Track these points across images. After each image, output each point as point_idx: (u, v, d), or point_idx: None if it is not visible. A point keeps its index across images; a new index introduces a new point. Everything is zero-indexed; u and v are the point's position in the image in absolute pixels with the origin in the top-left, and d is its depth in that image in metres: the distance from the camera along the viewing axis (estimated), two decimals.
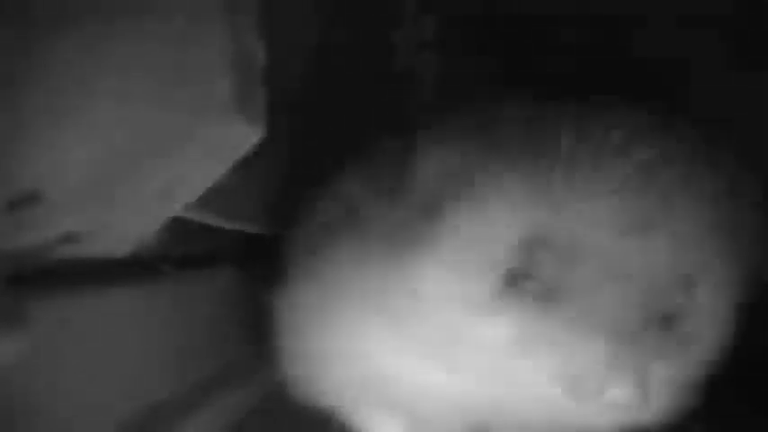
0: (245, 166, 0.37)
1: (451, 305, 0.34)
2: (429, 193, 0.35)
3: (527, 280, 0.32)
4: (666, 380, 0.33)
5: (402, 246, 0.35)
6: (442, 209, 0.34)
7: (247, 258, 0.50)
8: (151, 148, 0.33)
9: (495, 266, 0.33)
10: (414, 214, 0.35)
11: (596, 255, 0.31)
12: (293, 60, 0.51)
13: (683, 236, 0.32)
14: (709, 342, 0.34)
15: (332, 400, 0.43)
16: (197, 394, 0.45)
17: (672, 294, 0.32)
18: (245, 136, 0.35)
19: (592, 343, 0.31)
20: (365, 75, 0.66)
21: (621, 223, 0.31)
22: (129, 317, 0.39)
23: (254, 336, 0.48)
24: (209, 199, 0.38)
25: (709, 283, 0.33)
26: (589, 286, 0.31)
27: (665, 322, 0.32)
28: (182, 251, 0.46)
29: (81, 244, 0.34)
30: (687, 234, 0.32)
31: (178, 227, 0.42)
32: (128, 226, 0.37)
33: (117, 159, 0.32)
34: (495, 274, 0.33)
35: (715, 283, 0.33)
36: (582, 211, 0.31)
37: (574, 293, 0.32)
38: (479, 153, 0.33)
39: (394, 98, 0.71)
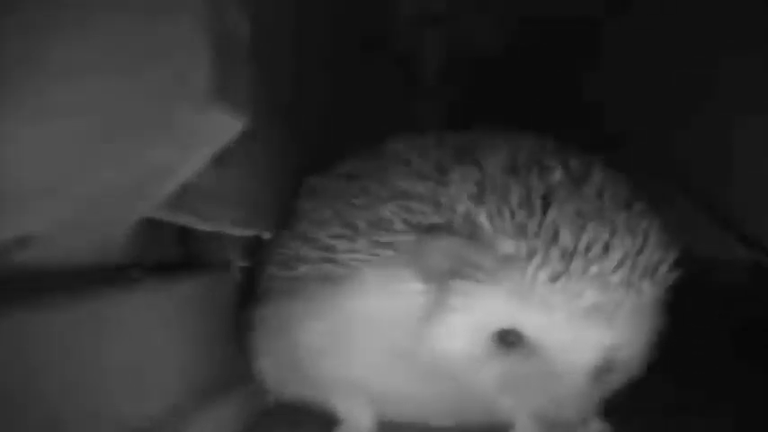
0: (225, 160, 0.37)
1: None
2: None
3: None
4: None
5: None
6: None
7: (227, 262, 0.51)
8: (117, 138, 0.31)
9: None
10: None
11: None
12: (282, 46, 0.50)
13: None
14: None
15: (307, 393, 0.48)
16: (176, 412, 0.44)
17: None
18: (226, 125, 0.34)
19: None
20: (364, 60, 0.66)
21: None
22: (93, 332, 0.37)
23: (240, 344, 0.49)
24: (184, 198, 0.38)
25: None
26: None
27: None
28: (154, 256, 0.45)
29: (38, 248, 0.33)
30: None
31: (150, 229, 0.41)
32: (91, 227, 0.36)
33: (77, 150, 0.31)
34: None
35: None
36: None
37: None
38: None
39: (394, 85, 0.71)
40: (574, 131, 0.53)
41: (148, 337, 0.42)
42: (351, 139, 0.47)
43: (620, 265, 0.38)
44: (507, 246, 0.38)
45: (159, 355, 0.43)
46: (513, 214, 0.39)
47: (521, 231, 0.38)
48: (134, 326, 0.40)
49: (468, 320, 0.40)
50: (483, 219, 0.39)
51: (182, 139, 0.34)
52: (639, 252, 0.39)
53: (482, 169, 0.41)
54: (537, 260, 0.38)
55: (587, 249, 0.38)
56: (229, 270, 0.52)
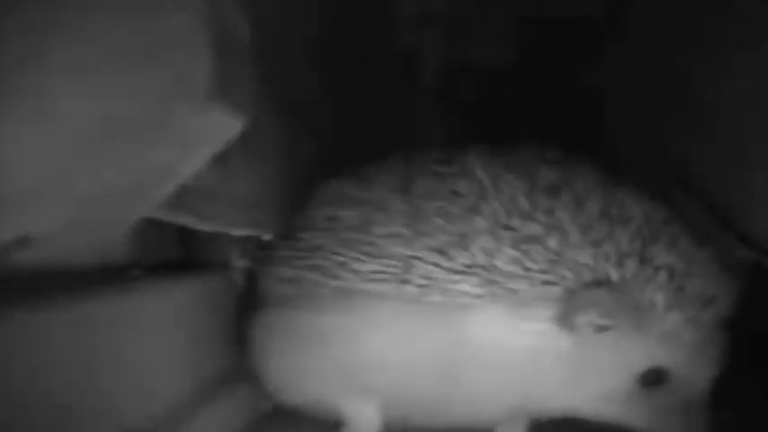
0: (226, 160, 0.36)
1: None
2: None
3: None
4: None
5: None
6: None
7: (227, 262, 0.51)
8: (117, 138, 0.31)
9: None
10: None
11: None
12: (282, 45, 0.50)
13: None
14: None
15: (311, 393, 0.47)
16: (176, 412, 0.44)
17: None
18: (226, 125, 0.34)
19: None
20: (365, 56, 0.65)
21: None
22: (93, 332, 0.37)
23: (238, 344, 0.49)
24: (184, 198, 0.37)
25: None
26: None
27: None
28: (154, 256, 0.45)
29: (38, 248, 0.32)
30: None
31: (150, 229, 0.41)
32: (91, 228, 0.36)
33: (77, 150, 0.30)
34: None
35: None
36: None
37: None
38: None
39: (394, 85, 0.71)
40: (573, 130, 0.53)
41: (148, 337, 0.42)
42: (350, 139, 0.47)
43: (722, 303, 0.42)
44: (640, 296, 0.40)
45: (159, 355, 0.43)
46: (632, 264, 0.41)
47: (647, 281, 0.40)
48: (134, 326, 0.40)
49: (612, 369, 0.42)
50: (612, 270, 0.40)
51: (182, 139, 0.34)
52: (731, 291, 0.43)
53: (582, 213, 0.42)
54: (668, 304, 0.40)
55: (699, 285, 0.41)
56: (229, 270, 0.51)
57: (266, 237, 0.49)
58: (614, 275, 0.40)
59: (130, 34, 0.29)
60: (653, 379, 0.42)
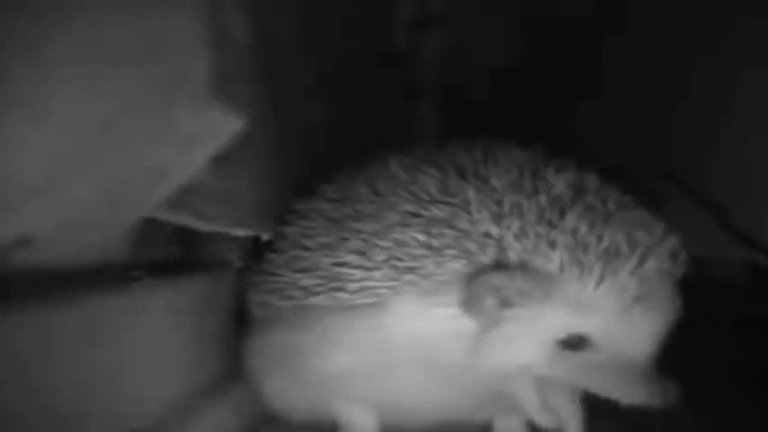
0: (225, 160, 0.36)
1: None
2: None
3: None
4: None
5: None
6: None
7: (227, 262, 0.50)
8: (117, 138, 0.31)
9: None
10: None
11: None
12: (284, 47, 0.50)
13: None
14: None
15: (306, 408, 0.48)
16: (175, 412, 0.44)
17: None
18: (226, 124, 0.34)
19: None
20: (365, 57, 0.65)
21: None
22: (93, 332, 0.37)
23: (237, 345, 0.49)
24: (184, 198, 0.37)
25: None
26: None
27: None
28: (154, 256, 0.45)
29: (38, 248, 0.33)
30: None
31: (150, 229, 0.41)
32: (91, 227, 0.36)
33: (77, 150, 0.31)
34: None
35: None
36: None
37: None
38: None
39: (394, 87, 0.71)
40: (573, 130, 0.53)
41: (148, 336, 0.42)
42: (351, 140, 0.47)
43: (647, 256, 0.40)
44: (544, 264, 0.39)
45: (159, 355, 0.43)
46: (536, 232, 0.40)
47: (551, 246, 0.39)
48: (134, 326, 0.40)
49: (528, 341, 0.41)
50: (512, 241, 0.39)
51: (181, 139, 0.34)
52: (660, 242, 0.41)
53: (492, 190, 0.41)
54: (577, 270, 0.40)
55: (617, 249, 0.40)
56: (229, 271, 0.51)
57: (265, 237, 0.49)
58: (516, 248, 0.39)
59: (130, 33, 0.29)
60: (575, 343, 0.41)
